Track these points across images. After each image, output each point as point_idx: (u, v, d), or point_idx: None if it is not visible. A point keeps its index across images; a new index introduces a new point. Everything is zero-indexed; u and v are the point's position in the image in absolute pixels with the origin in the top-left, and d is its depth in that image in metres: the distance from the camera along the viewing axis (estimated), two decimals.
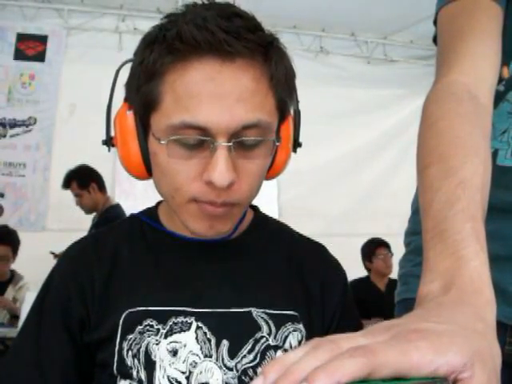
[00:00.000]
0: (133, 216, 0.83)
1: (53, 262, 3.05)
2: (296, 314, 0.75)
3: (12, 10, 3.93)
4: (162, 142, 0.65)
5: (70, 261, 0.77)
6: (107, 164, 3.69)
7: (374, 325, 0.38)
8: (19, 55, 3.96)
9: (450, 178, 0.55)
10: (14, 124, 3.93)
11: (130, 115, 0.70)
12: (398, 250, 1.07)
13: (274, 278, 0.78)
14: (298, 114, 0.76)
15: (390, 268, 3.69)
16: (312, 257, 0.84)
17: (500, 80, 0.82)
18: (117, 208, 3.46)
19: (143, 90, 0.66)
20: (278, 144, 0.70)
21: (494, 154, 0.84)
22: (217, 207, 0.67)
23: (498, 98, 0.85)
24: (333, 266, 0.85)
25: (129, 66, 0.72)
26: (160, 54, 0.64)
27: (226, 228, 0.71)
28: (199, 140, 0.64)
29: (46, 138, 3.95)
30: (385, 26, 4.35)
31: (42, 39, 3.98)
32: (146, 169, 0.71)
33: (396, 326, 0.37)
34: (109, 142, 0.74)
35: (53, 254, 3.35)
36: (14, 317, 3.24)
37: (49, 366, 0.71)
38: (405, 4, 3.50)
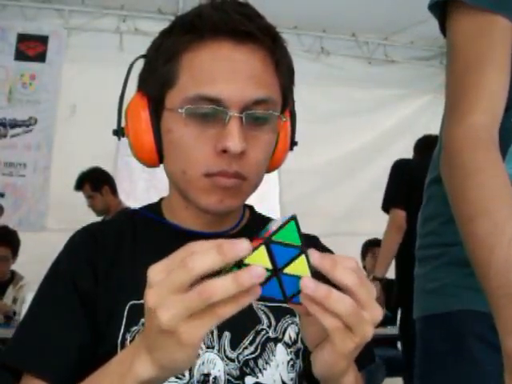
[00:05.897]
0: (134, 210, 0.84)
1: None
2: None
3: (13, 11, 3.92)
4: (180, 111, 0.68)
5: (75, 246, 0.77)
6: (108, 164, 3.69)
7: None
8: (20, 55, 3.95)
9: (500, 237, 0.69)
10: (14, 124, 3.93)
11: (143, 102, 0.73)
12: None
13: None
14: (294, 114, 0.80)
15: None
16: None
17: None
18: None
19: (161, 71, 0.71)
20: (284, 120, 0.74)
21: None
22: (228, 178, 0.69)
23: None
24: None
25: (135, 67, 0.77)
26: (178, 34, 0.71)
27: (236, 203, 0.73)
28: (213, 110, 0.68)
29: (46, 138, 3.95)
30: (385, 27, 4.35)
31: (43, 39, 3.98)
32: (158, 154, 0.74)
33: None
34: (120, 131, 0.76)
35: None
36: (8, 317, 3.24)
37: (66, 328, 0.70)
38: (405, 5, 3.49)
